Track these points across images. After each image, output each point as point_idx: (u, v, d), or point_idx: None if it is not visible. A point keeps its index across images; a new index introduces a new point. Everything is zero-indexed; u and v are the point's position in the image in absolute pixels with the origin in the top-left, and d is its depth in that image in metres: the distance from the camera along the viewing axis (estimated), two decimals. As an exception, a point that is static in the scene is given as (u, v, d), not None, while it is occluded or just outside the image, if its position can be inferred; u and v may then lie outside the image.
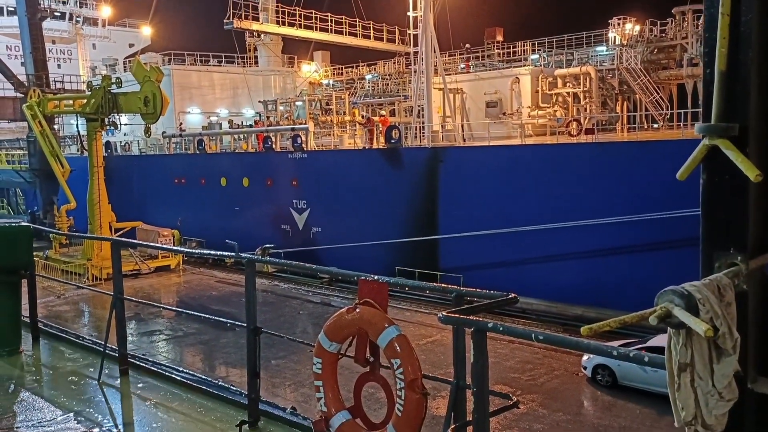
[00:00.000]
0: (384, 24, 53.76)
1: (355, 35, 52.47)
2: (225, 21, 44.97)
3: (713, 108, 2.60)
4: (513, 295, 4.51)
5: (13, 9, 51.36)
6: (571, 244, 24.21)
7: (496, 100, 38.82)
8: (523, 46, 46.08)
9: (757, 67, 2.59)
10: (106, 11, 69.58)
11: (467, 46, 49.41)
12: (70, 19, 66.95)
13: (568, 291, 23.89)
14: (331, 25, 50.51)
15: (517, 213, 25.61)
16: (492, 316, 16.95)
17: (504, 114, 37.97)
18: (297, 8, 49.44)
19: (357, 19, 52.47)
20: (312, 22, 49.44)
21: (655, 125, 36.87)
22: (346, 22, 51.52)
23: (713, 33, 2.57)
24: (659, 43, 39.26)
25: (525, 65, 40.78)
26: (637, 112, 35.34)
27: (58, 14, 64.84)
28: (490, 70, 42.38)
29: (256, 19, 47.87)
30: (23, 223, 10.11)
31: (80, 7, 68.37)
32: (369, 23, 53.10)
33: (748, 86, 2.59)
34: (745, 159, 2.48)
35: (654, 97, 36.20)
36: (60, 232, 29.99)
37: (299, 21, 49.04)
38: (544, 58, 42.59)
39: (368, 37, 53.22)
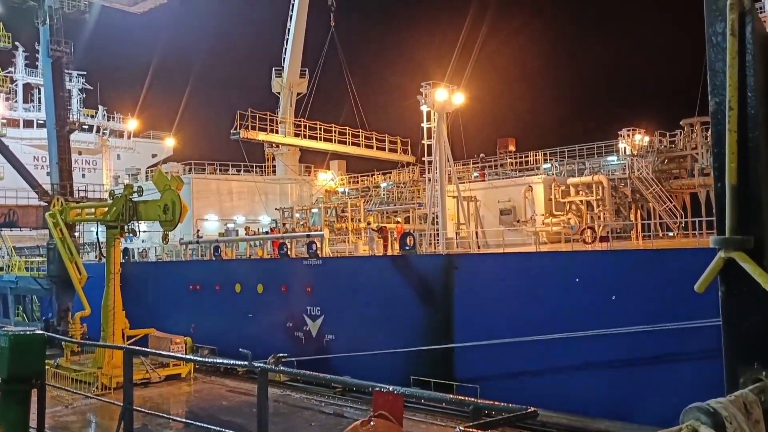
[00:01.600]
0: (386, 135, 55.94)
1: (359, 145, 54.40)
2: (231, 132, 47.09)
3: (727, 221, 2.61)
4: (533, 408, 4.39)
5: (42, 122, 53.66)
6: (591, 354, 23.61)
7: (510, 207, 39.23)
8: (535, 155, 47.05)
9: None
10: (132, 124, 72.56)
11: (482, 155, 50.63)
12: (97, 131, 69.71)
13: (589, 403, 23.07)
14: (334, 136, 52.54)
15: (534, 321, 25.19)
16: (511, 430, 16.31)
17: (518, 221, 38.24)
18: (302, 119, 52.27)
19: (360, 130, 54.62)
20: (317, 133, 51.57)
21: (670, 233, 36.89)
22: (349, 133, 53.60)
23: (722, 148, 2.63)
24: (669, 153, 40.03)
25: (537, 174, 41.50)
26: (651, 220, 35.50)
27: (86, 127, 67.62)
28: (503, 178, 43.14)
29: (275, 131, 49.87)
30: (37, 331, 10.07)
31: (107, 120, 71.33)
32: (371, 134, 55.20)
33: (760, 199, 2.61)
34: (762, 272, 2.47)
35: (667, 206, 36.44)
36: (72, 339, 29.78)
37: (304, 132, 51.31)
38: (556, 167, 43.35)
39: (371, 147, 55.12)
